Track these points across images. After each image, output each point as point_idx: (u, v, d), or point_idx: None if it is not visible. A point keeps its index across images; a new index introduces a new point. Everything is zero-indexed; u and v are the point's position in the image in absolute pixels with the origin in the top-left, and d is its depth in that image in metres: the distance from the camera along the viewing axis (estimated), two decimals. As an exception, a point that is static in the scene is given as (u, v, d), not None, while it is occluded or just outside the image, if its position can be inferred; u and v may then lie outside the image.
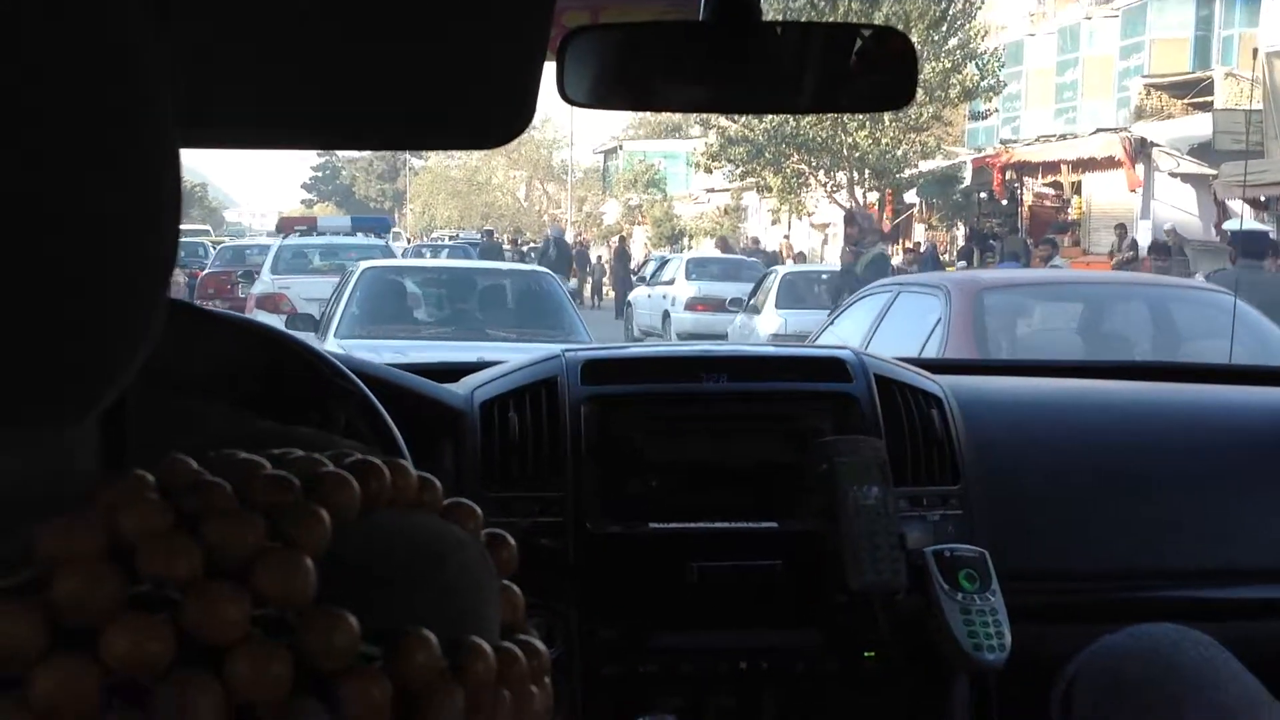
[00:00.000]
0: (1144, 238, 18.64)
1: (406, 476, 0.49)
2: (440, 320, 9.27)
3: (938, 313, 6.30)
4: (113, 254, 0.43)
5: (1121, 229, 18.02)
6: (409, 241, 35.78)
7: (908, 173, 24.99)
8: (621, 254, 27.60)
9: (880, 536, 1.81)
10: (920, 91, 23.44)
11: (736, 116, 23.18)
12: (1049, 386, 2.39)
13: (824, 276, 16.38)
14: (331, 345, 7.24)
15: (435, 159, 53.57)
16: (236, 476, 0.44)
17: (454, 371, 2.14)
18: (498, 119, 1.18)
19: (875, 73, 1.50)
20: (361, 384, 1.58)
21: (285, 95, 1.14)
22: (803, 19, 23.15)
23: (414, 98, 1.16)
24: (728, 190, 34.32)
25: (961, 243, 24.15)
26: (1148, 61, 22.49)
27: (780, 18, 23.77)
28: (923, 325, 6.35)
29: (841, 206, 26.29)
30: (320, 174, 74.75)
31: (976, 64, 24.17)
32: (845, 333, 7.04)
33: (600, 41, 1.40)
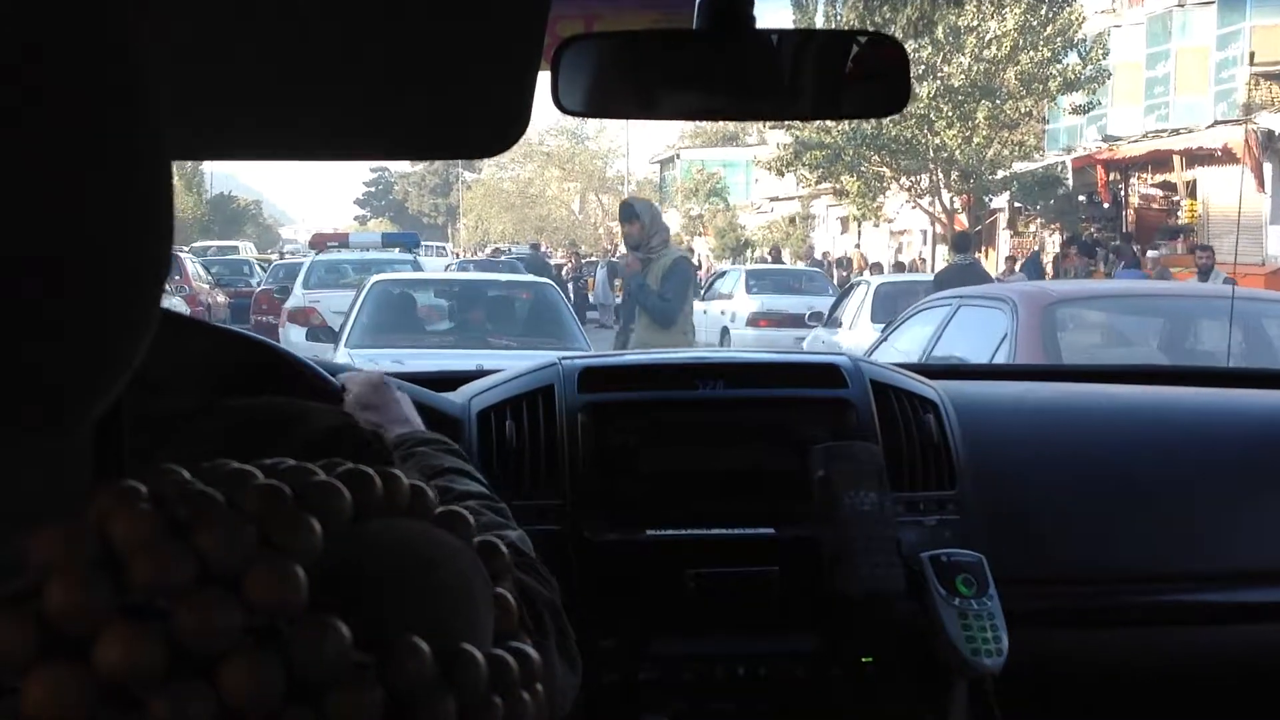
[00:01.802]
0: (1277, 245, 17.02)
1: (398, 484, 0.50)
2: (445, 330, 9.66)
3: (1003, 328, 5.83)
4: (106, 265, 0.43)
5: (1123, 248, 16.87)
6: (456, 257, 35.27)
7: (1000, 174, 23.13)
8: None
9: (877, 542, 1.81)
10: (1016, 82, 21.57)
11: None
12: (1046, 391, 2.39)
13: (921, 287, 14.55)
14: (342, 354, 7.92)
15: (488, 171, 52.67)
16: (228, 486, 0.44)
17: (452, 380, 2.14)
18: (493, 128, 1.18)
19: (870, 79, 1.50)
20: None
21: (279, 107, 1.14)
22: (877, 13, 21.62)
23: (409, 108, 1.16)
24: (794, 199, 32.87)
25: (1056, 250, 21.32)
26: (1247, 50, 19.75)
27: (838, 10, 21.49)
28: (987, 341, 5.90)
29: (926, 211, 24.56)
30: (373, 189, 74.07)
31: (1078, 51, 21.99)
32: (902, 350, 6.57)
33: (594, 50, 1.40)
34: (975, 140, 22.43)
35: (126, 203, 0.44)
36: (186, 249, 26.31)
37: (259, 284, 22.17)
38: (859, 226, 29.85)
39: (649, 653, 1.88)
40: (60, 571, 0.39)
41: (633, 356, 2.25)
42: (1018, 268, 19.26)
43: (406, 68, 1.08)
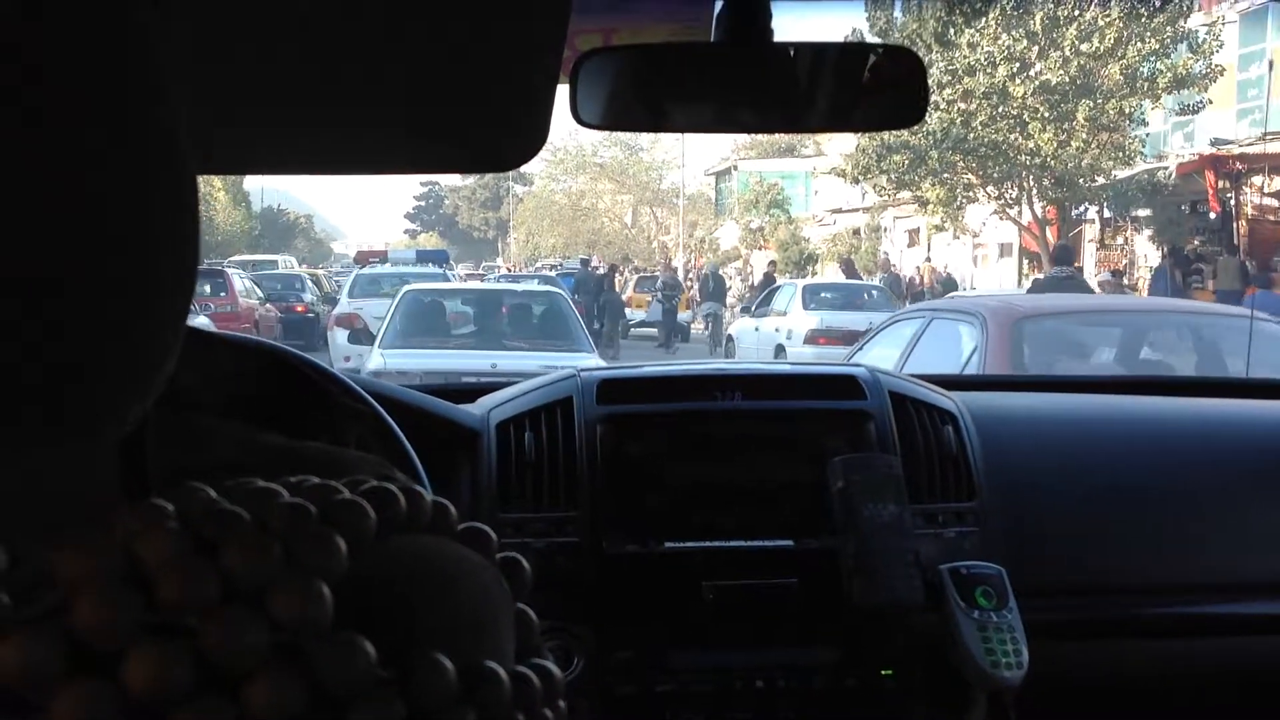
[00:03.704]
0: None
1: (421, 501, 0.50)
2: (467, 333, 11.02)
3: (974, 341, 6.13)
4: (129, 277, 0.43)
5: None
6: (508, 271, 35.34)
7: (1099, 180, 20.99)
8: (770, 282, 23.29)
9: (896, 554, 1.81)
10: (1119, 78, 19.49)
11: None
12: (1064, 402, 2.39)
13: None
14: (376, 355, 9.20)
15: (540, 184, 52.02)
16: (253, 504, 0.44)
17: (471, 391, 2.15)
18: (512, 142, 1.19)
19: (887, 91, 1.50)
20: (375, 404, 1.59)
21: (299, 120, 1.15)
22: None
23: (428, 122, 1.17)
24: (859, 210, 31.23)
25: (1152, 264, 19.20)
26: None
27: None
28: (957, 354, 6.21)
29: (1015, 222, 22.66)
30: (423, 204, 73.81)
31: (1189, 45, 19.74)
32: (875, 362, 6.90)
33: (613, 64, 1.41)
34: (1074, 143, 20.50)
35: (150, 213, 0.44)
36: (223, 262, 25.18)
37: (311, 300, 21.99)
38: (929, 239, 28.02)
39: (667, 665, 1.88)
40: (88, 588, 0.39)
41: (651, 368, 2.25)
42: (1145, 281, 17.25)
43: (425, 82, 1.08)
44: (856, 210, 31.94)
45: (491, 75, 1.06)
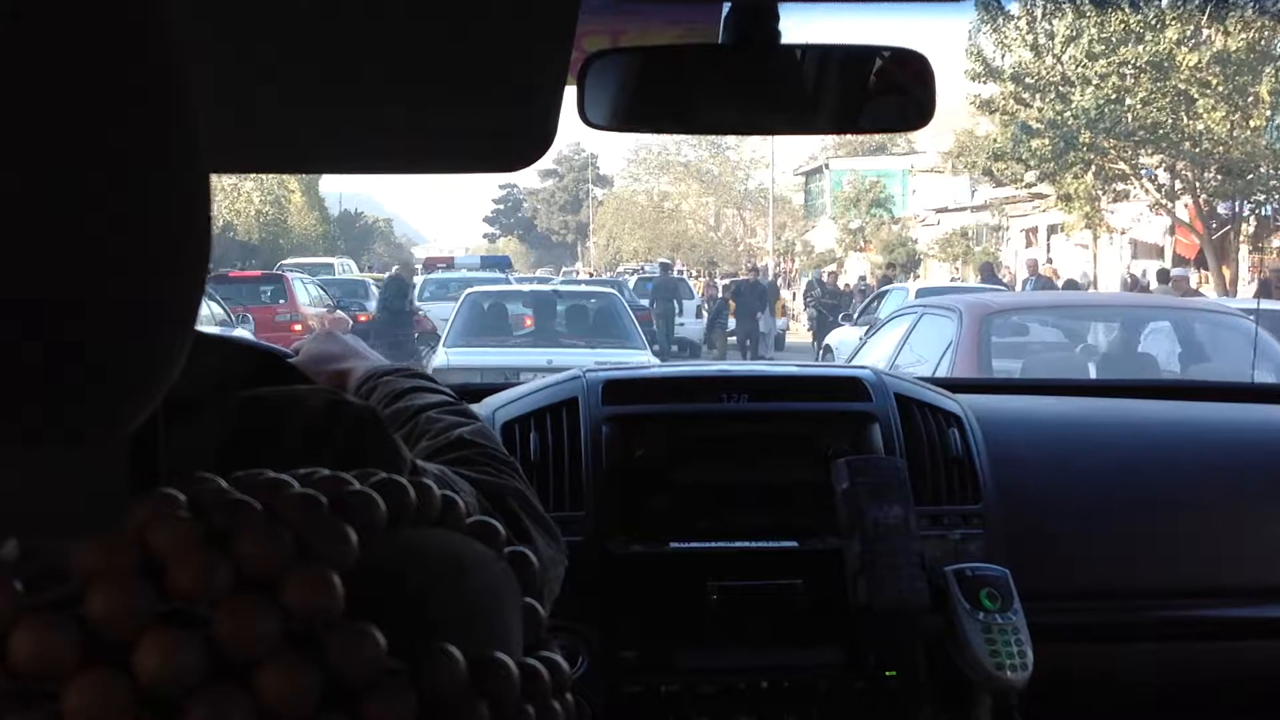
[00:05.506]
0: None
1: (431, 495, 0.50)
2: (526, 332, 11.79)
3: (950, 335, 6.55)
4: (154, 287, 0.44)
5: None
6: (591, 275, 33.64)
7: (1263, 169, 17.67)
8: (887, 284, 20.01)
9: (901, 555, 1.81)
10: None
11: (1039, 100, 17.24)
12: (1069, 405, 2.39)
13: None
14: (441, 353, 10.08)
15: (621, 184, 50.50)
16: (265, 493, 0.45)
17: (477, 391, 2.15)
18: (520, 142, 1.20)
19: (894, 93, 1.50)
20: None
21: (310, 121, 1.15)
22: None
23: (437, 122, 1.18)
24: (966, 209, 28.70)
25: None
26: None
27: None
28: (938, 347, 6.63)
29: (1173, 217, 19.24)
30: (501, 207, 72.63)
31: None
32: (874, 355, 7.39)
33: (620, 65, 1.41)
34: (1253, 122, 16.90)
35: (170, 226, 0.44)
36: (279, 265, 22.90)
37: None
38: (1049, 239, 25.18)
39: (672, 665, 1.88)
40: (102, 578, 0.40)
41: (656, 369, 2.26)
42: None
43: (434, 82, 1.09)
44: (964, 209, 29.51)
45: (500, 76, 1.07)
